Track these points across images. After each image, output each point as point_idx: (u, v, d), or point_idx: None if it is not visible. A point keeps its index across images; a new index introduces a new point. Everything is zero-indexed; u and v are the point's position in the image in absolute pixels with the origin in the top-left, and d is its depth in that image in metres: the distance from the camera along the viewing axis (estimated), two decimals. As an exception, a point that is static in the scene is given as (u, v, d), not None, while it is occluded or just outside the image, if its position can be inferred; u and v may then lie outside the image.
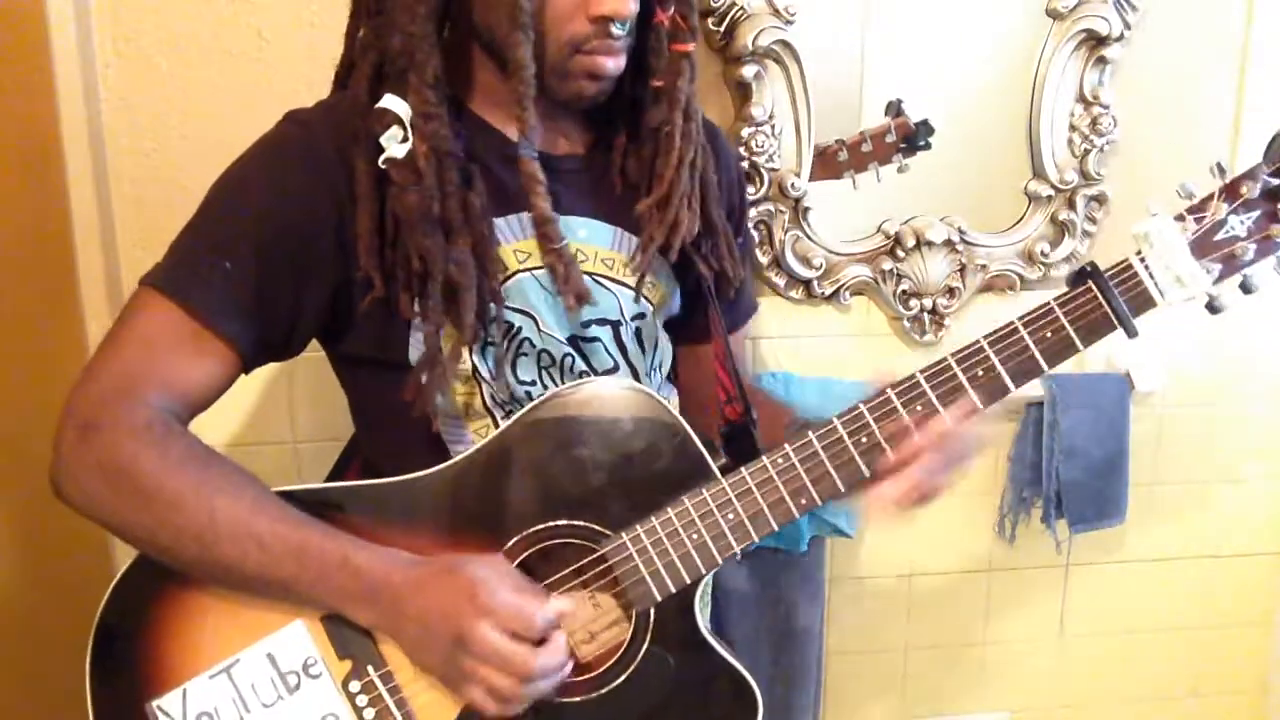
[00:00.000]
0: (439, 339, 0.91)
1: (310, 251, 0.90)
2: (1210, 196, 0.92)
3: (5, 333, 1.23)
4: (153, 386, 0.88)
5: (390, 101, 0.89)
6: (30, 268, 1.29)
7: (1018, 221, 1.62)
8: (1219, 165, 0.92)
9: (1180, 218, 0.92)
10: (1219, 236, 0.92)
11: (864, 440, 0.91)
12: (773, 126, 1.48)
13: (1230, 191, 0.92)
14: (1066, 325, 0.92)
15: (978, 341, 0.92)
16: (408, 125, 0.88)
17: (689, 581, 0.91)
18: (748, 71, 1.44)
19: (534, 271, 0.94)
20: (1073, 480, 1.64)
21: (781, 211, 1.51)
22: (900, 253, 1.56)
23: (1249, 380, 1.72)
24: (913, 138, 1.49)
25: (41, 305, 1.32)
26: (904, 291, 1.57)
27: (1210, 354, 1.69)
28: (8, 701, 1.21)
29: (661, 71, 0.97)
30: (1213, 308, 0.94)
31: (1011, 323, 0.92)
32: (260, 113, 0.93)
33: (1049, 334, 0.92)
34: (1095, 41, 1.53)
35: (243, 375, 0.94)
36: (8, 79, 1.25)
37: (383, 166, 0.89)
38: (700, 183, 1.00)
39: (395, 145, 0.88)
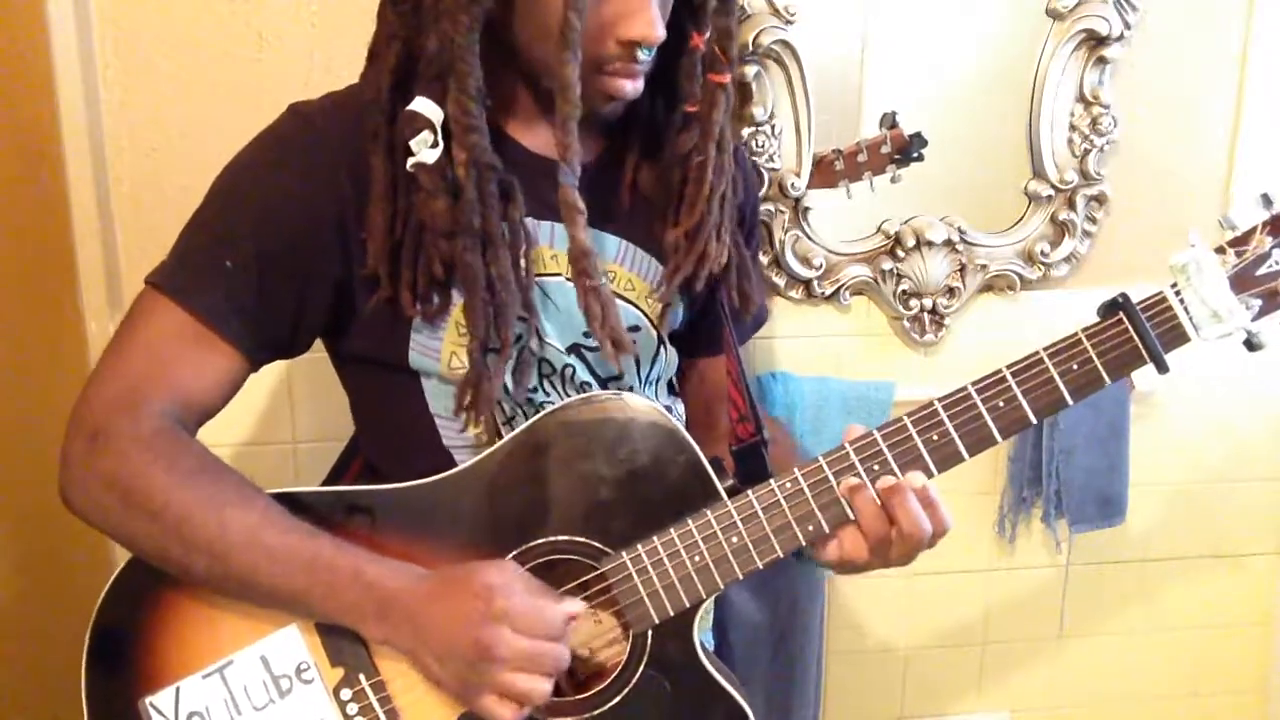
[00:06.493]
0: (483, 358, 0.89)
1: (310, 249, 0.89)
2: (1254, 229, 0.88)
3: (5, 333, 1.23)
4: (160, 392, 0.87)
5: (422, 105, 0.85)
6: (30, 268, 1.29)
7: (1018, 221, 1.62)
8: (1265, 196, 0.88)
9: (1221, 250, 0.88)
10: (1261, 270, 0.87)
11: (875, 468, 0.90)
12: (773, 127, 1.48)
13: (1276, 224, 0.88)
14: (1094, 358, 0.89)
15: (1000, 371, 0.89)
16: (439, 130, 0.85)
17: (688, 605, 0.89)
18: (748, 71, 1.44)
19: (535, 279, 0.93)
20: (1073, 480, 1.63)
21: (781, 211, 1.51)
22: (900, 253, 1.56)
23: (1249, 379, 1.72)
24: (907, 149, 1.51)
25: (41, 305, 1.32)
26: (904, 291, 1.57)
27: (1210, 352, 1.68)
28: (8, 699, 1.21)
29: (695, 98, 0.95)
30: (1251, 344, 0.90)
31: (1036, 352, 0.89)
32: (260, 113, 0.92)
33: (1075, 366, 0.89)
34: (1095, 41, 1.53)
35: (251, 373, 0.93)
36: (8, 79, 1.25)
37: (411, 170, 0.86)
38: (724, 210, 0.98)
39: (426, 150, 0.85)
